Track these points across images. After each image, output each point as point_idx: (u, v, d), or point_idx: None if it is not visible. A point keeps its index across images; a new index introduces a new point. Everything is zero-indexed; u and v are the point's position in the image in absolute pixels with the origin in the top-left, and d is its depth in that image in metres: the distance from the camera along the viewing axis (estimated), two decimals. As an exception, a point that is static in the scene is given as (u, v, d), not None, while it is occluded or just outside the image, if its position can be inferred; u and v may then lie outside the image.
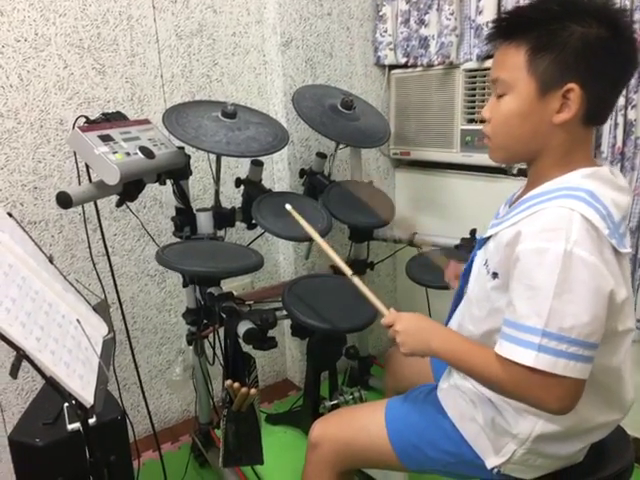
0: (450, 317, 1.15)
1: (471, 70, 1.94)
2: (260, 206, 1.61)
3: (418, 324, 1.03)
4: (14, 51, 1.60)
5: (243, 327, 1.35)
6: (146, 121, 1.58)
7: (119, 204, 1.47)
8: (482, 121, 1.00)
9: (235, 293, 1.51)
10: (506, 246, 0.89)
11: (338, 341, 1.59)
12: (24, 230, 1.05)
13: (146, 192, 1.62)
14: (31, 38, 1.62)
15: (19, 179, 1.68)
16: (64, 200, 1.26)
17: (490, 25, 0.95)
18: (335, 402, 1.66)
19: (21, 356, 0.77)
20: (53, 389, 0.82)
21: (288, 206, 1.30)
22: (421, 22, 2.05)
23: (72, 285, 1.07)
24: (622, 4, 1.52)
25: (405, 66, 2.19)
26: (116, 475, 1.20)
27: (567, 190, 0.86)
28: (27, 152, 1.68)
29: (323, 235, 1.61)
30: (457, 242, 1.79)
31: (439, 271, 1.35)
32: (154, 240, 1.87)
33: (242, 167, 2.07)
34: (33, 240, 1.05)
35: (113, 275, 1.57)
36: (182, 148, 1.57)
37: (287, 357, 2.45)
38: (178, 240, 1.63)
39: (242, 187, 1.76)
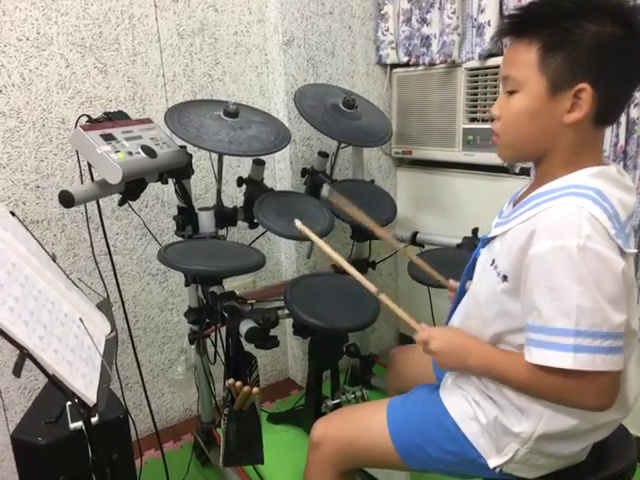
0: (451, 314, 1.15)
1: (473, 69, 1.93)
2: (262, 205, 1.61)
3: (453, 342, 1.02)
4: (16, 50, 1.61)
5: (245, 326, 1.35)
6: (148, 120, 1.58)
7: (121, 203, 1.47)
8: (485, 120, 1.00)
9: (237, 292, 1.51)
10: (519, 250, 0.88)
11: (340, 340, 1.59)
12: (27, 229, 1.05)
13: (148, 191, 1.62)
14: (33, 37, 1.63)
15: (21, 178, 1.68)
16: (66, 199, 1.26)
17: (501, 21, 0.93)
18: (337, 401, 1.66)
19: (24, 355, 0.77)
20: (56, 388, 0.82)
21: (298, 222, 1.27)
22: (423, 21, 2.05)
23: (75, 284, 1.07)
24: (636, 2, 1.51)
25: (407, 65, 2.19)
26: (118, 474, 1.20)
27: (575, 188, 0.86)
28: (29, 151, 1.68)
29: (325, 234, 1.62)
30: (459, 241, 1.79)
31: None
32: (156, 239, 1.87)
33: (244, 166, 2.07)
34: (36, 239, 1.05)
35: (115, 274, 1.57)
36: (184, 147, 1.58)
37: (289, 356, 2.45)
38: (180, 239, 1.63)
39: (244, 186, 1.76)
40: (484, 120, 1.93)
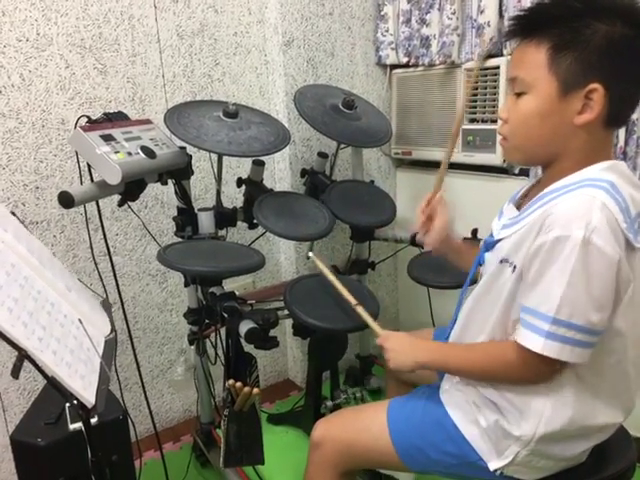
0: (455, 319, 1.14)
1: (472, 70, 1.93)
2: (261, 206, 1.61)
3: (401, 341, 1.09)
4: (16, 51, 1.61)
5: (245, 326, 1.35)
6: (148, 121, 1.58)
7: (121, 204, 1.47)
8: (485, 121, 0.99)
9: (237, 293, 1.51)
10: (532, 240, 0.87)
11: (339, 340, 1.59)
12: (27, 229, 1.05)
13: (148, 192, 1.62)
14: (33, 38, 1.62)
15: (21, 179, 1.68)
16: (66, 200, 1.26)
17: (509, 22, 0.92)
18: (336, 402, 1.66)
19: (23, 356, 0.77)
20: (55, 389, 0.82)
21: (311, 254, 1.45)
22: (422, 21, 2.05)
23: (80, 280, 1.07)
24: None
25: (406, 66, 2.19)
26: (118, 475, 1.19)
27: (589, 181, 0.85)
28: (29, 152, 1.68)
29: (324, 235, 1.62)
30: (459, 242, 1.79)
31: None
32: (156, 240, 1.87)
33: (243, 167, 2.07)
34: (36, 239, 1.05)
35: (115, 275, 1.57)
36: (183, 148, 1.57)
37: (288, 357, 2.45)
38: (180, 240, 1.63)
39: (243, 187, 1.76)
40: (484, 121, 1.93)
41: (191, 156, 1.62)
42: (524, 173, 1.86)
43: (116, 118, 1.49)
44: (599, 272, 0.81)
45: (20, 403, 1.79)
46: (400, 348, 1.08)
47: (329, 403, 1.67)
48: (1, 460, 1.79)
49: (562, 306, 0.82)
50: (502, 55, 1.84)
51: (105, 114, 1.49)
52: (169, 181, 1.60)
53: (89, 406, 0.83)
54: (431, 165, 2.26)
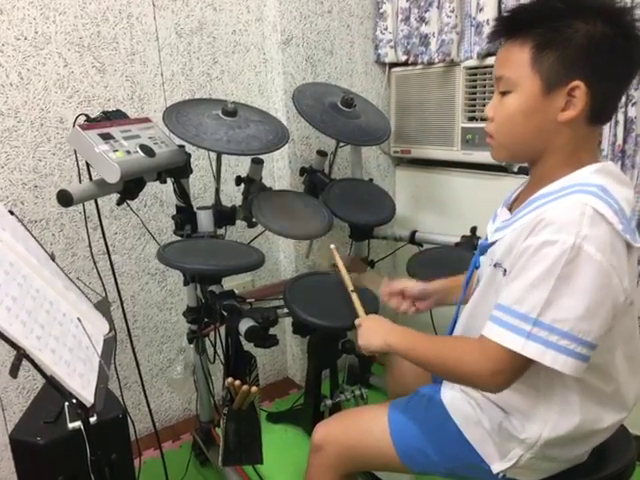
0: (454, 326, 1.14)
1: (472, 68, 1.93)
2: (260, 204, 1.61)
3: (378, 322, 1.12)
4: (14, 49, 1.60)
5: (245, 325, 1.35)
6: (146, 119, 1.58)
7: (120, 202, 1.47)
8: (484, 119, 1.00)
9: (236, 291, 1.51)
10: (521, 243, 0.87)
11: (339, 339, 1.59)
12: (25, 228, 1.05)
13: (147, 190, 1.62)
14: (31, 36, 1.62)
15: (19, 178, 1.67)
16: (65, 198, 1.26)
17: (493, 23, 0.94)
18: (336, 400, 1.66)
19: (21, 355, 0.77)
20: (53, 388, 0.82)
21: (332, 245, 1.46)
22: (421, 20, 2.04)
23: (74, 283, 1.07)
24: (632, 3, 1.51)
25: (406, 64, 2.19)
26: (117, 473, 1.19)
27: (579, 186, 0.86)
28: (27, 151, 1.67)
29: (323, 233, 1.62)
30: (458, 240, 1.79)
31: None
32: (155, 238, 1.87)
33: (242, 165, 2.07)
34: (34, 238, 1.05)
35: (114, 273, 1.57)
36: (182, 146, 1.57)
37: (288, 355, 2.45)
38: (179, 238, 1.63)
39: (242, 185, 1.76)
40: (483, 119, 1.91)
41: (190, 154, 1.62)
42: (523, 171, 1.86)
43: (115, 117, 1.48)
44: (589, 280, 0.80)
45: (19, 402, 1.79)
46: (373, 327, 1.10)
47: (328, 401, 1.67)
48: (0, 459, 1.79)
49: (545, 309, 0.81)
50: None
51: (104, 113, 1.48)
52: (168, 180, 1.59)
53: (88, 405, 0.83)
54: (430, 163, 2.26)
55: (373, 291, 1.42)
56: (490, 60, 1.86)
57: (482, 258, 1.04)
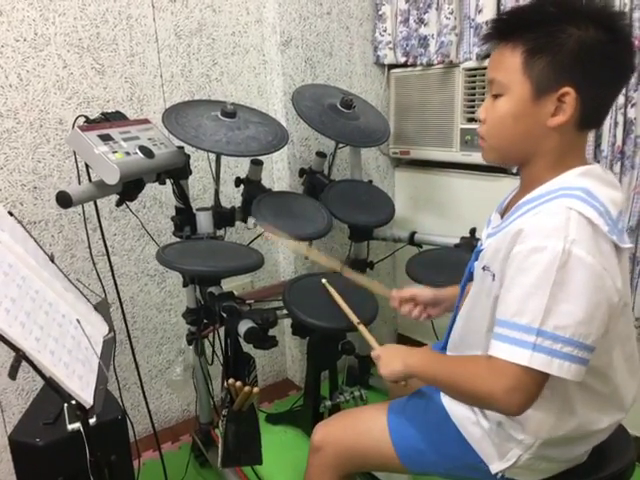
0: (450, 330, 1.14)
1: (471, 69, 1.93)
2: (260, 205, 1.61)
3: (395, 348, 1.10)
4: (13, 51, 1.60)
5: (244, 326, 1.35)
6: (146, 121, 1.58)
7: (119, 204, 1.47)
8: (478, 121, 1.00)
9: (235, 293, 1.51)
10: (505, 249, 0.88)
11: (338, 340, 1.59)
12: (25, 229, 1.05)
13: (146, 192, 1.62)
14: (30, 38, 1.62)
15: (19, 179, 1.67)
16: (64, 200, 1.26)
17: (487, 25, 0.94)
18: (335, 402, 1.66)
19: (20, 357, 0.77)
20: (52, 390, 0.82)
21: (324, 280, 1.46)
22: (420, 21, 2.05)
23: (73, 284, 1.07)
24: (621, 5, 1.52)
25: (405, 65, 2.19)
26: (116, 475, 1.19)
27: (564, 190, 0.86)
28: (27, 152, 1.67)
29: (323, 234, 1.62)
30: (457, 241, 1.79)
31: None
32: (154, 240, 1.87)
33: (242, 166, 2.06)
34: (34, 239, 1.05)
35: (113, 275, 1.57)
36: (182, 148, 1.57)
37: (287, 357, 2.45)
38: (178, 240, 1.63)
39: (242, 186, 1.76)
40: (480, 121, 1.92)
41: (189, 156, 1.62)
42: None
43: (114, 118, 1.48)
44: (582, 282, 0.80)
45: (19, 403, 1.78)
46: (391, 354, 1.08)
47: (328, 403, 1.67)
48: (0, 460, 1.78)
49: (546, 318, 0.80)
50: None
51: (103, 114, 1.48)
52: (167, 181, 1.59)
53: (87, 406, 0.83)
54: (429, 165, 2.26)
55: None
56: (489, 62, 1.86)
57: (476, 264, 1.04)
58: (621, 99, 1.57)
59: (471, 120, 1.98)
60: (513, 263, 0.85)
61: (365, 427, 1.15)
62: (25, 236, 1.03)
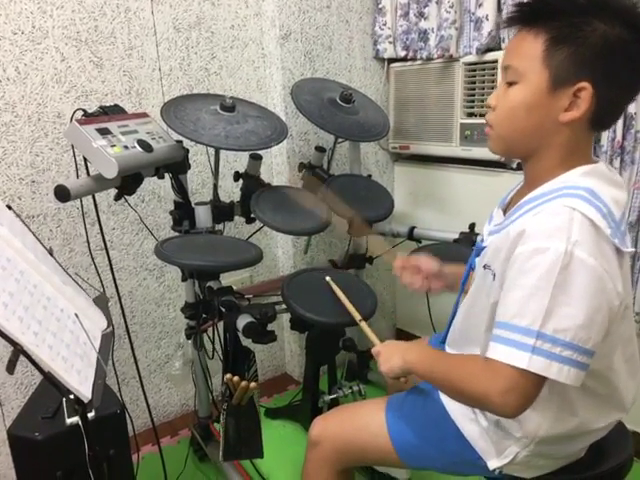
0: (449, 325, 1.14)
1: (471, 64, 1.93)
2: (259, 200, 1.61)
3: (395, 344, 1.10)
4: (11, 44, 1.59)
5: (243, 321, 1.35)
6: (144, 114, 1.57)
7: (117, 198, 1.46)
8: (483, 115, 0.98)
9: (234, 287, 1.51)
10: (507, 249, 0.87)
11: (337, 335, 1.59)
12: (23, 222, 1.05)
13: (144, 186, 1.61)
14: (28, 31, 1.61)
15: (17, 173, 1.67)
16: (62, 194, 1.25)
17: (511, 9, 0.91)
18: (334, 396, 1.67)
19: (18, 351, 0.77)
20: (51, 384, 0.82)
21: (328, 278, 1.45)
22: (420, 15, 2.04)
23: (72, 278, 1.06)
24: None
25: (404, 59, 2.18)
26: (115, 469, 1.20)
27: (567, 189, 0.84)
28: (25, 145, 1.67)
29: (322, 229, 1.61)
30: (456, 236, 1.79)
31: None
32: (153, 234, 1.86)
33: (241, 161, 2.06)
34: (32, 233, 1.05)
35: (112, 269, 1.56)
36: (180, 142, 1.57)
37: (286, 351, 2.45)
38: (177, 234, 1.62)
39: (241, 181, 1.75)
40: (482, 115, 1.92)
41: (188, 150, 1.61)
42: (522, 168, 1.86)
43: (112, 111, 1.48)
44: (584, 285, 0.78)
45: (17, 397, 1.78)
46: (391, 351, 1.07)
47: (327, 397, 1.67)
48: (-2, 454, 1.79)
49: (546, 320, 0.79)
50: (500, 49, 1.84)
51: (101, 107, 1.48)
52: (166, 175, 1.59)
53: (85, 401, 0.83)
54: (429, 159, 2.26)
55: (378, 255, 1.41)
56: (489, 56, 1.86)
57: (477, 260, 1.03)
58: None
59: (471, 115, 1.97)
60: (515, 264, 0.84)
61: (363, 422, 1.16)
62: (23, 230, 1.02)
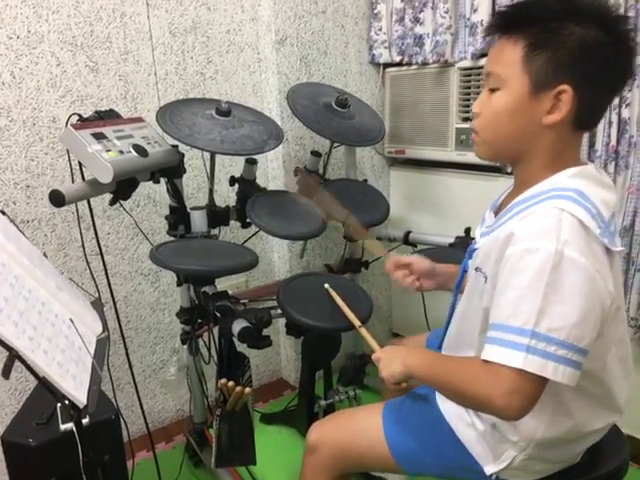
0: (446, 329, 1.14)
1: (466, 68, 1.94)
2: (254, 205, 1.61)
3: (395, 350, 1.08)
4: (6, 48, 1.59)
5: (238, 326, 1.35)
6: (139, 119, 1.57)
7: (112, 202, 1.46)
8: (473, 114, 0.99)
9: (230, 292, 1.51)
10: (498, 251, 0.87)
11: (333, 340, 1.59)
12: (17, 228, 1.04)
13: (140, 190, 1.61)
14: (24, 35, 1.61)
15: (11, 177, 1.66)
16: (57, 198, 1.25)
17: (490, 18, 0.93)
18: (330, 401, 1.66)
19: (13, 356, 0.76)
20: (46, 389, 0.82)
21: (326, 285, 1.44)
22: (416, 20, 2.05)
23: (69, 279, 1.06)
24: (626, 7, 1.52)
25: (400, 64, 2.19)
26: (110, 475, 1.19)
27: (556, 191, 0.85)
28: (19, 150, 1.66)
29: (318, 234, 1.61)
30: (452, 240, 1.80)
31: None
32: (148, 239, 1.86)
33: (236, 165, 2.06)
34: (27, 238, 1.04)
35: (107, 274, 1.56)
36: (176, 146, 1.57)
37: (282, 356, 2.44)
38: (172, 239, 1.62)
39: (236, 185, 1.75)
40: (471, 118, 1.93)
41: (183, 154, 1.61)
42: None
43: (108, 116, 1.48)
44: (576, 284, 0.79)
45: (11, 403, 1.77)
46: (391, 356, 1.06)
47: (322, 402, 1.66)
48: (-8, 461, 1.77)
49: (540, 319, 0.79)
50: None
51: (97, 112, 1.48)
52: (161, 179, 1.59)
53: (80, 406, 0.83)
54: (424, 164, 2.26)
55: (374, 255, 1.41)
56: (484, 61, 1.86)
57: (470, 262, 1.04)
58: (615, 99, 1.57)
59: (466, 119, 1.98)
60: (506, 265, 0.84)
61: (360, 427, 1.15)
62: (18, 235, 1.02)
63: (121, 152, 1.35)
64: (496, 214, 1.00)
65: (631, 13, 1.51)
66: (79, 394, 0.83)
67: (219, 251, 1.53)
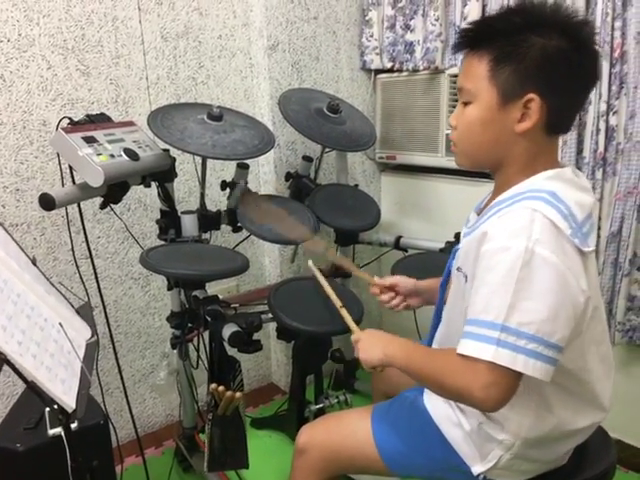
0: (434, 332, 1.15)
1: (456, 75, 1.95)
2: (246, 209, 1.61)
3: (376, 335, 1.09)
4: (-3, 51, 1.59)
5: (228, 330, 1.35)
6: (131, 123, 1.57)
7: (103, 206, 1.46)
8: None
9: (220, 296, 1.50)
10: (475, 249, 0.90)
11: (324, 344, 1.59)
12: (6, 231, 1.04)
13: (130, 194, 1.61)
14: (14, 38, 1.61)
15: (1, 181, 1.65)
16: (47, 202, 1.25)
17: (457, 35, 0.97)
18: (320, 406, 1.66)
19: (1, 360, 0.76)
20: (34, 394, 0.81)
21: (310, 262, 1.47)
22: (407, 27, 2.06)
23: (55, 288, 1.05)
24: (603, 14, 1.54)
25: (391, 71, 2.21)
26: (98, 480, 1.18)
27: (531, 192, 0.88)
28: (9, 153, 1.66)
29: (309, 238, 1.61)
30: (442, 245, 1.80)
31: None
32: (138, 243, 1.85)
33: (228, 170, 2.06)
34: (15, 241, 1.04)
35: (97, 278, 1.55)
36: (167, 150, 1.57)
37: (272, 361, 2.44)
38: (163, 243, 1.62)
39: (228, 190, 1.75)
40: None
41: (175, 158, 1.61)
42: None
43: (99, 120, 1.47)
44: (546, 281, 0.82)
45: (-1, 408, 1.76)
46: (371, 341, 1.07)
47: (313, 407, 1.66)
48: (-22, 467, 1.75)
49: (510, 314, 0.82)
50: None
51: (87, 116, 1.47)
52: (152, 184, 1.59)
53: (69, 411, 0.83)
54: (415, 169, 2.28)
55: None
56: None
57: (453, 262, 1.06)
58: (603, 107, 1.59)
59: (456, 126, 1.99)
60: (481, 263, 0.87)
61: (349, 430, 1.16)
62: (6, 239, 1.01)
63: (112, 156, 1.35)
64: (478, 215, 1.02)
65: (618, 23, 1.54)
66: (68, 399, 0.82)
67: (210, 255, 1.53)
